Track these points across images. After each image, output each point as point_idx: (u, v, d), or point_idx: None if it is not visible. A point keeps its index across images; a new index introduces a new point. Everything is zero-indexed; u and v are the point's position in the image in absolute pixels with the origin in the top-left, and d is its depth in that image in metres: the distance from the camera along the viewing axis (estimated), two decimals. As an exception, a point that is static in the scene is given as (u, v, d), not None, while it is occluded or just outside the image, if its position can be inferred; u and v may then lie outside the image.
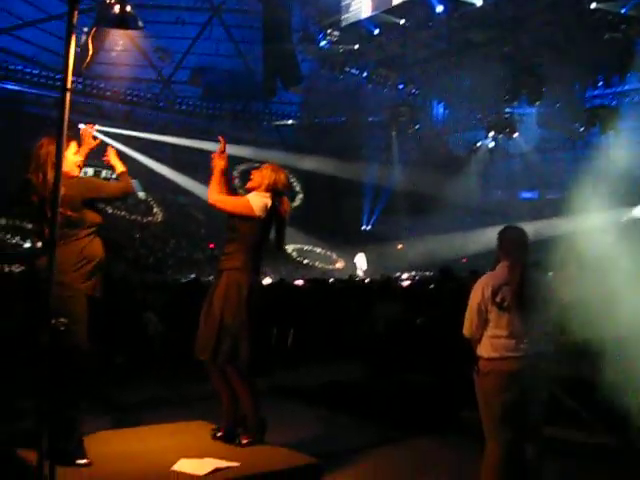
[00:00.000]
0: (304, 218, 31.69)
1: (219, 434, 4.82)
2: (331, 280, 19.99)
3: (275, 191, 5.00)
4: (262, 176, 5.01)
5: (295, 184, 33.29)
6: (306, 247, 30.84)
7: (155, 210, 28.88)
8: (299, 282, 18.96)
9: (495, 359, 4.23)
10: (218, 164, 5.02)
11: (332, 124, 30.16)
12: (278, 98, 29.82)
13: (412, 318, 8.86)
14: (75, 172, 4.44)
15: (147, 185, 28.22)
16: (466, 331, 4.40)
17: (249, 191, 5.00)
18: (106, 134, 29.32)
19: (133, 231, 27.94)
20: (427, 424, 6.63)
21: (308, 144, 30.82)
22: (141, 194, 28.88)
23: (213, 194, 4.94)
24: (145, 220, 28.52)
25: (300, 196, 33.33)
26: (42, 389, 3.32)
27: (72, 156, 4.45)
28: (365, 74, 23.38)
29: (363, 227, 33.18)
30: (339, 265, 30.03)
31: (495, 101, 22.35)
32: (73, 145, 4.48)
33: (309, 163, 30.31)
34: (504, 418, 4.22)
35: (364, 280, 18.05)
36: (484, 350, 4.30)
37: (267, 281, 19.06)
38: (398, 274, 23.90)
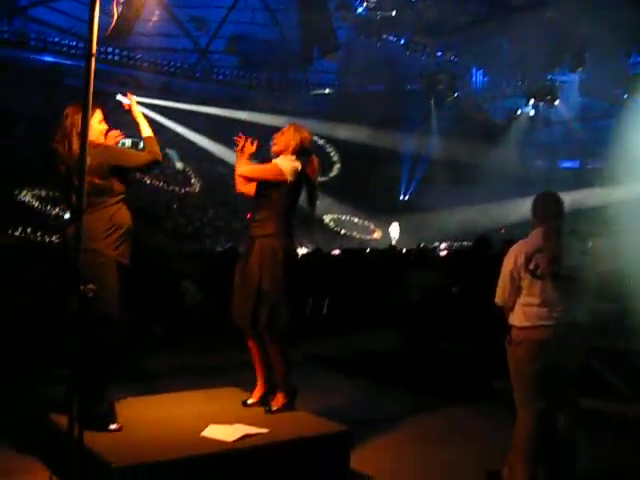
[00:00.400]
0: (341, 188, 31.62)
1: (250, 401, 4.83)
2: (368, 250, 19.98)
3: (303, 151, 4.88)
4: (286, 138, 4.88)
5: (332, 154, 33.17)
6: (343, 217, 30.79)
7: (193, 180, 29.03)
8: (336, 252, 18.98)
9: (527, 328, 4.16)
10: (249, 149, 4.94)
11: (370, 93, 29.85)
12: (315, 67, 29.61)
13: (447, 287, 8.79)
14: (100, 140, 4.40)
15: (184, 155, 28.38)
16: (498, 299, 4.33)
17: (276, 156, 4.92)
18: (143, 105, 29.71)
19: (171, 201, 28.16)
20: (461, 392, 6.60)
21: (345, 113, 30.55)
22: (179, 165, 29.05)
23: (241, 167, 4.89)
24: (183, 190, 28.69)
25: (337, 166, 33.19)
26: (72, 355, 3.35)
27: (97, 124, 4.41)
28: (403, 41, 23.06)
29: (401, 197, 32.96)
30: (377, 235, 29.96)
31: (536, 68, 21.87)
32: (98, 113, 4.44)
33: (346, 132, 30.11)
34: (536, 388, 4.15)
35: (401, 250, 17.95)
36: (516, 319, 4.23)
37: (303, 251, 19.10)
38: (436, 244, 23.78)
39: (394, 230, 26.69)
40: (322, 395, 6.51)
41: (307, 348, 8.76)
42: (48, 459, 3.74)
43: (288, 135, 4.89)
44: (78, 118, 4.16)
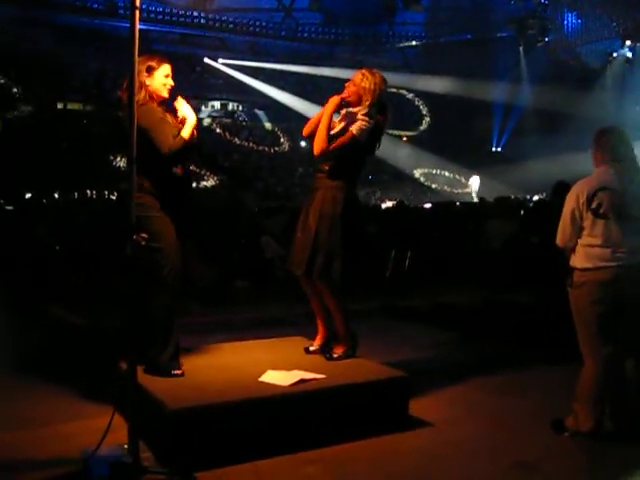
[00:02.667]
0: (432, 142, 31.17)
1: (312, 348, 4.86)
2: (458, 203, 19.67)
3: (379, 103, 4.69)
4: (359, 90, 4.68)
5: (422, 107, 32.66)
6: (434, 171, 30.42)
7: (282, 140, 29.24)
8: (427, 205, 18.84)
9: (589, 269, 3.99)
10: (333, 102, 4.72)
11: (457, 43, 29.10)
12: (401, 19, 29.10)
13: (527, 236, 8.57)
14: (163, 93, 4.33)
15: (273, 115, 28.59)
16: (559, 241, 4.17)
17: (350, 106, 4.78)
18: (231, 67, 30.05)
19: (262, 161, 28.50)
20: (538, 343, 6.45)
21: (433, 65, 29.97)
22: (268, 125, 29.30)
23: (321, 143, 4.61)
24: (273, 150, 28.96)
25: (427, 119, 32.70)
26: (126, 300, 3.46)
27: (161, 77, 4.33)
28: (489, -14, 22.28)
29: (493, 148, 32.22)
30: (468, 189, 29.47)
31: (631, 7, 20.66)
32: (165, 67, 4.36)
33: (435, 84, 29.58)
34: (600, 332, 3.99)
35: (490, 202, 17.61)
36: (577, 261, 4.07)
37: (388, 204, 19.01)
38: (528, 196, 23.17)
39: (474, 183, 26.45)
40: (394, 345, 6.51)
41: (386, 300, 8.76)
42: (116, 404, 3.88)
43: (360, 85, 4.70)
44: (142, 68, 4.19)
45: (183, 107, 4.34)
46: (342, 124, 4.73)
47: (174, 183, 4.28)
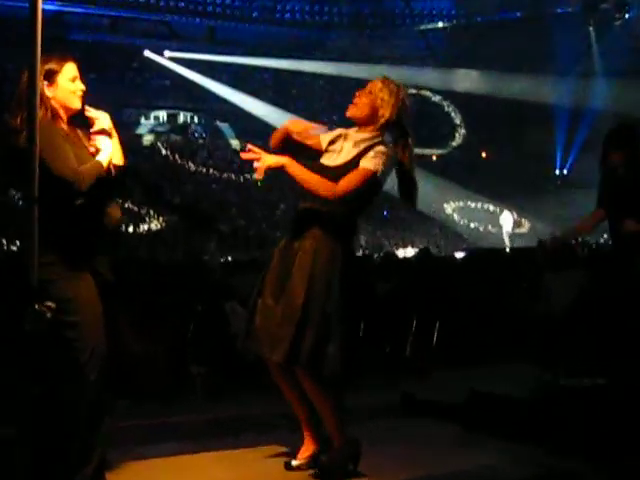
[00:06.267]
0: (468, 164, 31.40)
1: (295, 463, 4.87)
2: (507, 249, 19.82)
3: (398, 125, 4.87)
4: (374, 102, 4.81)
5: (453, 115, 33.03)
6: (472, 205, 30.63)
7: (255, 164, 29.48)
8: (460, 254, 18.96)
9: None
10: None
11: (501, 24, 29.58)
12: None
13: (605, 291, 8.63)
14: (74, 103, 4.36)
15: (241, 130, 28.78)
16: None
17: (353, 122, 4.90)
18: (182, 61, 30.38)
19: (228, 195, 28.61)
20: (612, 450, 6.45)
21: (468, 55, 30.37)
22: (234, 142, 29.48)
23: (326, 186, 4.70)
24: (243, 179, 29.08)
25: (462, 132, 33.02)
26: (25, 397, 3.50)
27: (68, 83, 4.34)
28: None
29: (557, 171, 32.52)
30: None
31: None
32: (70, 67, 4.37)
33: (471, 83, 29.95)
34: None
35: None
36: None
37: (409, 253, 19.14)
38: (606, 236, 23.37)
39: (506, 222, 26.79)
40: (412, 454, 6.49)
41: (404, 389, 8.78)
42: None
43: (378, 95, 4.83)
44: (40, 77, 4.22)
45: (101, 120, 4.42)
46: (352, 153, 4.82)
47: (93, 226, 4.33)
